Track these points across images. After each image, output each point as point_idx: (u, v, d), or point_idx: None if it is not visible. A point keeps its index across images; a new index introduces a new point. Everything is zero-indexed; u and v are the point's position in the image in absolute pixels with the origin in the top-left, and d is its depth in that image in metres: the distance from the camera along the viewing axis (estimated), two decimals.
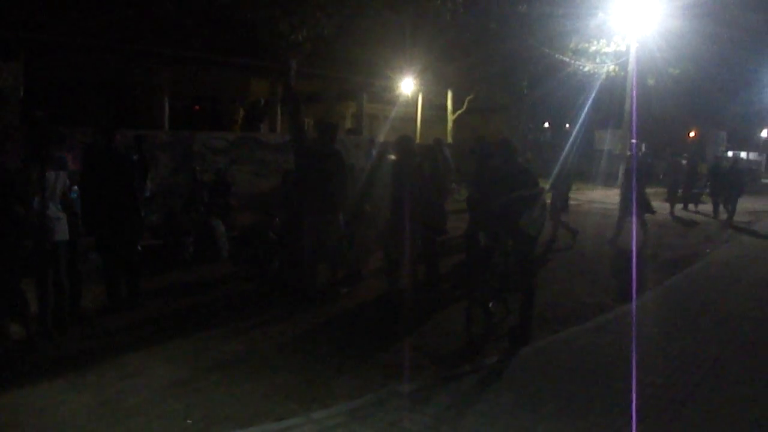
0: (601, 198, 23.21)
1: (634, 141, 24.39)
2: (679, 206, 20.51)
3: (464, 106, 30.58)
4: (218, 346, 6.53)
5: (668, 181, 21.16)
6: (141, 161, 10.29)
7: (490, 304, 7.46)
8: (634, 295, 8.68)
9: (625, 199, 13.60)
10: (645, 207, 13.38)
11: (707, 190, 21.29)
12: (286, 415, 4.95)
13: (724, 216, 19.01)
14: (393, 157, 8.73)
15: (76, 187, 7.34)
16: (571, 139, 25.07)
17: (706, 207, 20.46)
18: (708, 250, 13.45)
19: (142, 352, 6.28)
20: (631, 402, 5.18)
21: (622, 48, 27.12)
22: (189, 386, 5.50)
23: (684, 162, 23.53)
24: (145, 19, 16.66)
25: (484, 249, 7.40)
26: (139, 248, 7.98)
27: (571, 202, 19.13)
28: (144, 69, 18.34)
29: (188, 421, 4.84)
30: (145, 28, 16.89)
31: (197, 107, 20.33)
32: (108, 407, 5.05)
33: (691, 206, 21.47)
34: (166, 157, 15.22)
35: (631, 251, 11.49)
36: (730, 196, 19.04)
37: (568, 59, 27.10)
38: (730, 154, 57.66)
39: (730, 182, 19.32)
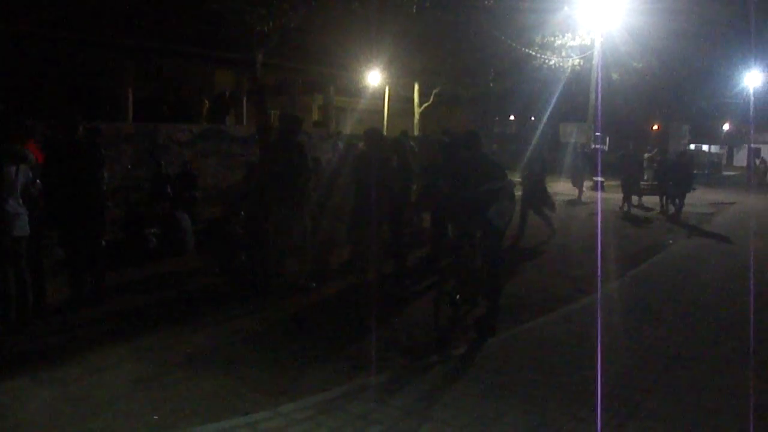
0: (565, 190, 23.41)
1: (598, 134, 24.66)
2: (635, 199, 19.67)
3: (431, 99, 30.65)
4: (185, 341, 6.47)
5: (623, 175, 20.35)
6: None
7: (457, 296, 7.49)
8: (599, 286, 8.78)
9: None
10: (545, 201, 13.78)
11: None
12: (253, 409, 4.92)
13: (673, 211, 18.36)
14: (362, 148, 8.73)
15: (39, 182, 7.21)
16: (538, 132, 25.33)
17: (653, 199, 19.73)
18: (670, 241, 13.66)
19: (107, 348, 6.20)
20: (596, 391, 5.24)
21: (587, 42, 27.38)
22: (155, 381, 5.45)
23: (646, 155, 23.87)
24: (109, 10, 16.43)
25: (451, 241, 7.43)
26: (103, 242, 7.86)
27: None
28: (108, 60, 18.08)
29: (155, 416, 4.79)
30: (110, 18, 16.66)
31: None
32: (74, 403, 4.98)
33: (635, 199, 20.15)
34: (130, 150, 15.01)
35: (596, 243, 11.62)
36: (677, 190, 18.25)
37: (534, 53, 27.32)
38: (692, 147, 58.63)
39: (676, 177, 18.35)
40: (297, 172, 8.26)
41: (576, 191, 21.74)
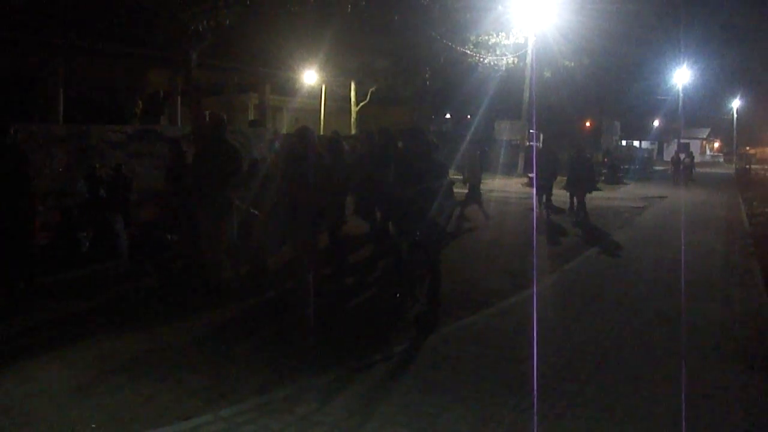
0: (501, 186, 23.77)
1: (533, 131, 25.10)
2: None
3: (368, 98, 30.74)
4: (121, 347, 6.33)
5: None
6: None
7: (398, 294, 7.53)
8: (534, 281, 8.94)
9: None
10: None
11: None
12: (193, 413, 4.85)
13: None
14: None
15: None
16: (472, 129, 25.63)
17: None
18: (605, 235, 13.99)
19: (41, 356, 6.02)
20: (533, 384, 5.35)
21: (521, 41, 27.85)
22: (92, 389, 5.32)
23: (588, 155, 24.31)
24: (39, 8, 15.96)
25: (392, 239, 7.47)
26: (33, 247, 7.65)
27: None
28: (38, 60, 17.57)
29: (92, 425, 4.69)
30: (40, 17, 16.18)
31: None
32: (7, 415, 4.83)
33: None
34: (61, 152, 14.63)
35: (531, 239, 11.83)
36: (576, 190, 16.63)
37: (468, 51, 27.61)
38: (623, 143, 60.18)
39: (575, 176, 16.60)
40: (225, 173, 8.15)
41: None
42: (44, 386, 5.37)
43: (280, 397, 5.19)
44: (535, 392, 5.22)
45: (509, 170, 29.69)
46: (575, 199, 16.63)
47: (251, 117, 27.70)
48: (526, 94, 29.88)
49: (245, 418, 4.79)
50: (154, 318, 7.31)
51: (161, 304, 7.90)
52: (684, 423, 4.81)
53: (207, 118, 15.03)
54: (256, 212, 9.24)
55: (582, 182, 16.47)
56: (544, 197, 16.71)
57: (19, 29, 15.92)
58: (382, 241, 9.49)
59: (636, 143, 65.02)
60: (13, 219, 7.18)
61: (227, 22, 13.90)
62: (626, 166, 35.81)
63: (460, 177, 15.09)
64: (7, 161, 7.15)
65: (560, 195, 17.27)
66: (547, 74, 31.00)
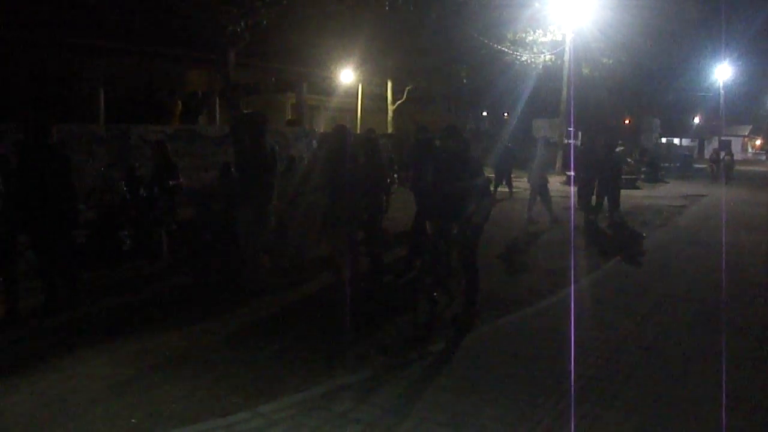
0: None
1: (571, 129, 24.86)
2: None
3: (404, 96, 30.72)
4: (161, 343, 6.42)
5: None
6: None
7: (435, 292, 7.51)
8: (572, 280, 8.85)
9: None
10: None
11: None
12: (232, 410, 4.90)
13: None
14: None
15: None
16: (510, 127, 25.48)
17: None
18: (644, 234, 13.79)
19: (83, 352, 6.14)
20: (571, 385, 5.29)
21: (558, 38, 27.61)
22: (132, 385, 5.40)
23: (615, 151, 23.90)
24: (80, 10, 16.23)
25: (429, 237, 7.45)
26: (76, 244, 7.77)
27: (513, 190, 19.52)
28: (79, 61, 17.87)
29: (132, 420, 4.76)
30: (81, 19, 16.46)
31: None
32: (50, 409, 4.93)
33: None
34: (102, 151, 14.88)
35: (570, 238, 11.71)
36: (602, 190, 15.15)
37: (506, 49, 27.47)
38: (663, 140, 59.29)
39: (602, 175, 15.02)
40: (264, 172, 8.20)
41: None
42: (84, 381, 5.46)
43: (316, 394, 5.21)
44: (573, 393, 5.16)
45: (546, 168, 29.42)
46: (606, 200, 15.24)
47: (288, 116, 27.85)
48: (564, 92, 29.59)
49: (282, 415, 4.82)
50: (193, 315, 7.39)
51: (200, 302, 7.98)
52: (724, 426, 4.73)
53: (246, 118, 15.16)
54: (294, 210, 9.30)
55: (610, 181, 15.04)
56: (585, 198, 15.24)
57: (61, 31, 16.20)
58: (419, 240, 9.47)
59: (676, 141, 64.08)
60: (55, 218, 7.29)
61: (264, 22, 13.99)
62: (666, 164, 35.26)
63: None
64: (49, 161, 7.26)
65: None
66: (586, 71, 30.68)
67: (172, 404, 5.02)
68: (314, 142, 11.85)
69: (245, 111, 13.03)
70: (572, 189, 15.48)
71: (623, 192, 17.04)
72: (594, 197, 15.21)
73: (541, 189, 14.66)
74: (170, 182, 10.27)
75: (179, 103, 19.66)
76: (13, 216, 6.94)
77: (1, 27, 15.15)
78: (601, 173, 15.05)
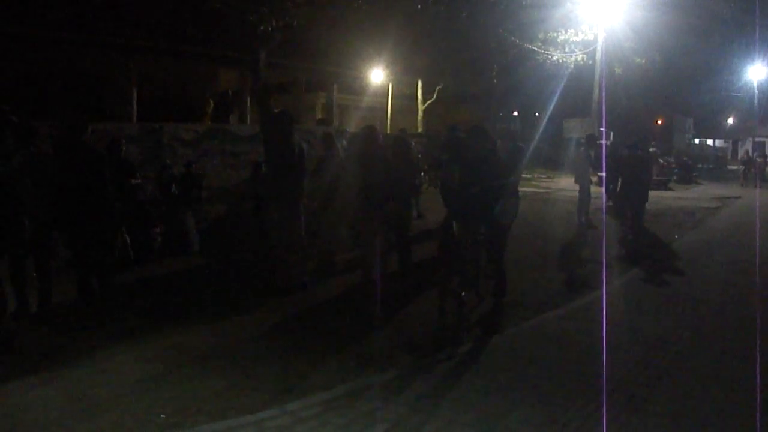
0: (569, 186, 23.40)
1: (603, 129, 24.62)
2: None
3: (434, 96, 30.66)
4: (190, 340, 6.49)
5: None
6: None
7: (463, 293, 7.49)
8: (603, 282, 8.77)
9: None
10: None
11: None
12: (260, 407, 4.94)
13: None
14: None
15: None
16: (541, 127, 25.31)
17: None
18: (676, 236, 13.64)
19: (113, 347, 6.22)
20: (602, 387, 5.25)
21: (590, 37, 27.34)
22: (162, 380, 5.47)
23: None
24: (112, 10, 16.45)
25: (456, 238, 7.43)
26: (111, 242, 7.87)
27: (541, 190, 19.40)
28: (112, 61, 18.11)
29: (162, 415, 4.81)
30: (113, 19, 16.68)
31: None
32: (80, 403, 5.00)
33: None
34: (135, 150, 15.05)
35: (601, 239, 11.61)
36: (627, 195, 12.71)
37: (537, 48, 27.28)
38: (696, 141, 58.52)
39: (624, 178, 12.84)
40: (292, 171, 8.23)
41: None
42: (115, 376, 5.54)
43: (343, 392, 5.23)
44: (603, 395, 5.12)
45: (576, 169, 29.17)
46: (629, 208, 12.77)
47: (319, 116, 27.96)
48: (596, 92, 29.31)
49: (310, 412, 4.85)
50: (224, 312, 7.46)
51: (230, 299, 8.05)
52: (758, 430, 4.67)
53: (275, 117, 15.24)
54: (324, 209, 9.34)
55: (633, 185, 12.67)
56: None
57: (95, 31, 16.43)
58: (446, 240, 9.46)
59: (709, 142, 63.19)
60: (89, 215, 7.38)
61: (295, 22, 14.05)
62: (699, 166, 34.80)
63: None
64: (83, 159, 7.36)
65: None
66: (618, 71, 30.35)
67: (201, 400, 5.07)
68: (344, 142, 11.85)
69: (275, 110, 13.11)
70: (604, 190, 15.31)
71: (655, 193, 16.00)
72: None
73: (582, 191, 14.19)
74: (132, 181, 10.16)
75: (211, 102, 19.83)
76: (46, 213, 7.04)
77: (37, 27, 15.41)
78: (625, 175, 13.34)
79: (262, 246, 9.10)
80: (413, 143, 13.93)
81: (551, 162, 29.78)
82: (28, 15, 15.42)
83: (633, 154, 13.51)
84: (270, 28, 13.39)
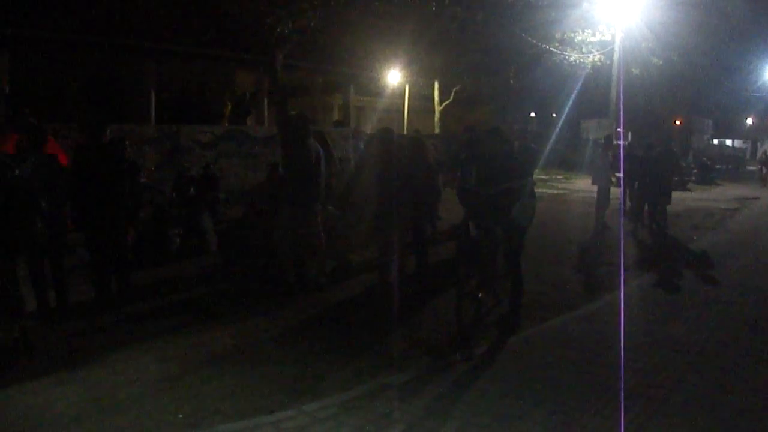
0: (586, 187, 23.32)
1: (620, 130, 24.49)
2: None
3: (451, 97, 30.63)
4: (208, 341, 6.52)
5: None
6: None
7: (480, 294, 7.49)
8: (621, 284, 8.72)
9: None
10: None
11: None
12: (277, 407, 4.96)
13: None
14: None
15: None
16: (557, 128, 25.20)
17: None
18: (695, 237, 13.54)
19: (132, 348, 6.26)
20: (620, 389, 5.23)
21: (608, 38, 27.22)
22: (179, 381, 5.50)
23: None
24: (130, 13, 16.58)
25: (473, 239, 7.43)
26: (129, 242, 7.92)
27: (558, 192, 19.32)
28: (130, 63, 18.26)
29: (179, 415, 4.85)
30: (131, 22, 16.82)
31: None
32: (98, 403, 5.04)
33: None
34: (153, 152, 15.17)
35: (619, 240, 11.55)
36: (648, 196, 13.93)
37: (554, 49, 27.19)
38: (715, 141, 58.04)
39: (643, 179, 13.84)
40: (308, 173, 8.24)
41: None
42: (133, 376, 5.58)
43: (360, 393, 5.24)
44: (621, 398, 5.10)
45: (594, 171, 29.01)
46: (648, 207, 14.13)
47: (335, 117, 28.02)
48: (613, 92, 29.16)
49: (327, 413, 4.86)
50: (241, 313, 7.49)
51: (247, 300, 8.07)
52: None
53: (290, 119, 15.26)
54: (340, 211, 9.34)
55: (651, 185, 13.58)
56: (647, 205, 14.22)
57: (114, 34, 16.57)
58: (463, 241, 9.46)
59: (728, 142, 62.67)
60: (111, 219, 7.44)
61: (312, 24, 14.11)
62: (718, 166, 34.51)
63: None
64: (103, 162, 7.42)
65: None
66: (635, 71, 30.19)
67: (219, 400, 5.10)
68: (361, 143, 11.86)
69: (291, 112, 13.16)
70: (622, 191, 15.21)
71: (673, 194, 15.22)
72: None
73: (600, 192, 14.08)
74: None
75: (228, 104, 19.93)
76: (60, 214, 7.11)
77: (56, 30, 15.55)
78: (642, 176, 14.07)
79: (276, 247, 9.10)
80: (431, 144, 13.90)
81: (568, 163, 29.66)
82: (48, 19, 15.58)
83: (649, 154, 13.67)
84: (286, 30, 13.45)
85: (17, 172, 6.28)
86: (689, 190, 24.10)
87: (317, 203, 8.49)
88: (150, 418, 4.82)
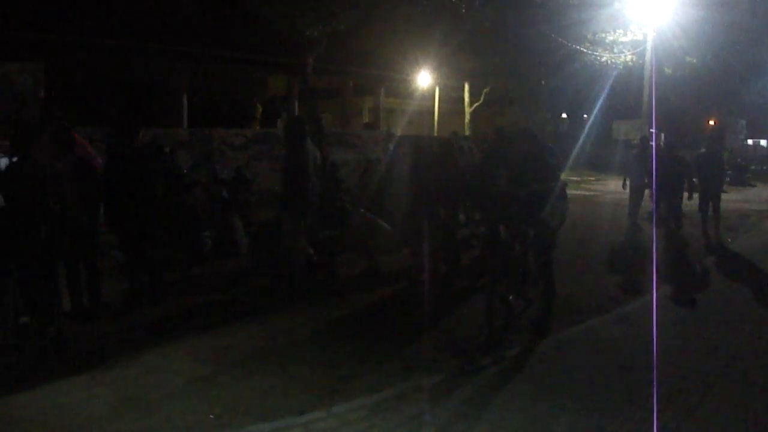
0: (619, 188, 23.07)
1: (653, 131, 24.20)
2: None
3: (481, 99, 30.52)
4: (239, 341, 6.57)
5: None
6: None
7: (510, 297, 7.46)
8: (654, 287, 8.63)
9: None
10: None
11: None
12: (307, 408, 4.98)
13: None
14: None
15: None
16: (586, 129, 24.96)
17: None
18: (729, 240, 13.35)
19: (164, 348, 6.34)
20: (652, 394, 5.17)
21: (639, 37, 26.92)
22: (210, 381, 5.56)
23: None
24: (162, 18, 16.79)
25: (504, 241, 7.40)
26: (161, 244, 8.01)
27: (590, 193, 19.14)
28: (163, 67, 18.47)
29: (210, 416, 4.89)
30: (163, 26, 17.03)
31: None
32: (130, 402, 5.11)
33: None
34: (185, 154, 15.32)
35: (651, 243, 11.42)
36: (665, 195, 12.90)
37: (585, 49, 26.97)
38: (749, 142, 57.11)
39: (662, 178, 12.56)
40: (300, 177, 8.08)
41: None
42: (165, 376, 5.65)
43: (390, 395, 5.24)
44: (654, 402, 5.05)
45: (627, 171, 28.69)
46: (664, 205, 13.23)
47: (366, 120, 28.06)
48: (646, 93, 28.83)
49: (357, 415, 4.88)
50: (272, 314, 7.54)
51: (278, 301, 8.10)
52: None
53: (325, 122, 15.29)
54: (370, 214, 9.35)
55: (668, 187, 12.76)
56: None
57: (147, 38, 16.78)
58: (493, 243, 9.43)
59: (763, 142, 61.59)
60: (145, 220, 7.53)
61: (342, 27, 14.17)
62: (752, 167, 33.92)
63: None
64: (137, 164, 7.52)
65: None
66: (668, 71, 29.83)
67: (250, 401, 5.14)
68: (391, 146, 11.86)
69: (323, 115, 13.24)
70: (654, 193, 15.02)
71: None
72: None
73: (633, 192, 13.81)
74: None
75: (259, 107, 20.07)
76: (92, 216, 7.21)
77: (90, 35, 15.78)
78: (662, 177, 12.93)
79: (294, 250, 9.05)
80: (467, 147, 13.83)
81: (600, 164, 29.36)
82: (81, 23, 15.81)
83: (670, 155, 13.37)
84: (317, 34, 13.53)
85: (49, 173, 6.37)
86: (724, 191, 23.69)
87: (310, 209, 8.30)
88: (181, 418, 4.87)
